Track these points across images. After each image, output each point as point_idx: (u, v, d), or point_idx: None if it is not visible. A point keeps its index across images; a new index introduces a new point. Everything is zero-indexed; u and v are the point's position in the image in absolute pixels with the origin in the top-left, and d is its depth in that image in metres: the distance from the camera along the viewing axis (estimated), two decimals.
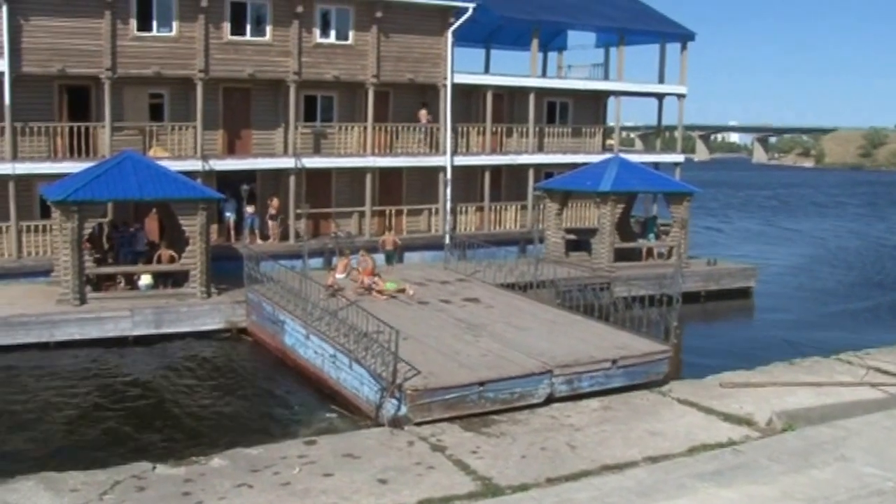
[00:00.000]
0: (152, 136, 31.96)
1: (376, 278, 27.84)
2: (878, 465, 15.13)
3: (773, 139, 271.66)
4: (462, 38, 38.62)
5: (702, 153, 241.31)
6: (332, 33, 34.25)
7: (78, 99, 31.55)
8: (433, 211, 37.30)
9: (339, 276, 28.81)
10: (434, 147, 37.06)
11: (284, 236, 33.96)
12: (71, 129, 30.50)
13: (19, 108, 29.32)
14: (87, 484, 14.38)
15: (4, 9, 28.54)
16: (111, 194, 26.95)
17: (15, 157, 29.25)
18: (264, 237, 33.67)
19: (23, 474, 14.82)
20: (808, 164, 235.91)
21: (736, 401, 19.54)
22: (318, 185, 35.03)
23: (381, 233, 35.28)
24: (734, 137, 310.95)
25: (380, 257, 32.56)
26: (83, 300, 26.23)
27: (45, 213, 29.10)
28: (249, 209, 33.50)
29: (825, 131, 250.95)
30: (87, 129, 30.59)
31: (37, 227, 29.77)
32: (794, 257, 52.18)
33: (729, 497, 13.74)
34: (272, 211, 33.64)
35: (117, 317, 25.91)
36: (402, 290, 27.68)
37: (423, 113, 37.49)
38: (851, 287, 42.12)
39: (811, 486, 14.24)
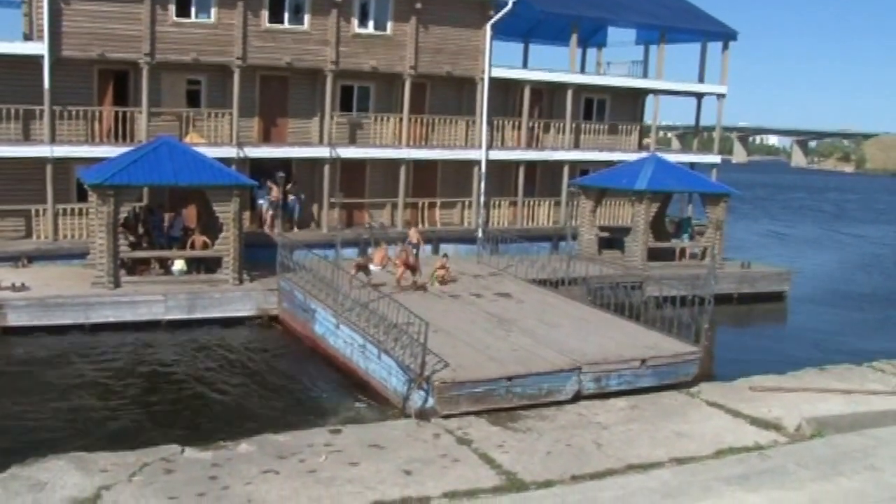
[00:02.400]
0: (189, 123, 32.15)
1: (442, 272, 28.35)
2: None
3: (812, 143, 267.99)
4: (501, 32, 38.62)
5: (739, 155, 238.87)
6: (371, 23, 34.26)
7: (116, 84, 31.80)
8: (466, 204, 37.30)
9: (375, 267, 28.88)
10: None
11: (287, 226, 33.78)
12: (109, 113, 30.77)
13: (58, 91, 29.59)
14: (117, 465, 14.55)
15: None
16: (147, 179, 27.14)
17: (53, 140, 29.55)
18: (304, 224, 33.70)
19: (54, 453, 15.00)
20: (849, 169, 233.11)
21: (765, 405, 19.42)
22: (352, 175, 35.16)
23: (413, 224, 35.36)
24: (773, 140, 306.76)
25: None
26: (117, 283, 26.43)
27: (82, 196, 29.37)
28: (290, 196, 33.58)
29: (866, 136, 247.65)
30: (124, 113, 30.88)
31: (73, 209, 30.11)
32: (831, 263, 51.69)
33: (755, 502, 13.66)
34: (271, 199, 33.29)
35: (151, 301, 26.11)
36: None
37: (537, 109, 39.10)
38: (889, 294, 41.66)
39: (839, 494, 14.12)
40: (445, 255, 30.35)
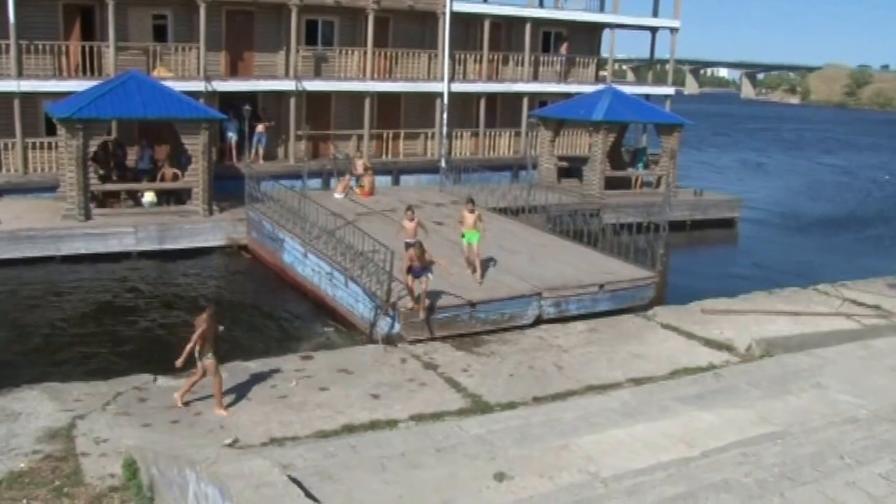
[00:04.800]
0: (156, 57, 32.19)
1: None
2: (852, 393, 15.44)
3: (760, 75, 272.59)
4: None
5: (691, 87, 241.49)
6: None
7: (83, 18, 31.71)
8: (430, 135, 37.78)
9: (338, 196, 29.42)
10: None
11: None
12: (76, 48, 30.75)
13: (24, 26, 29.47)
14: (90, 394, 14.88)
15: None
16: (116, 112, 27.31)
17: (20, 75, 29.53)
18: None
19: (28, 384, 15.24)
20: (794, 100, 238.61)
21: (717, 327, 20.18)
22: (318, 107, 35.44)
23: (379, 155, 35.91)
24: (723, 73, 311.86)
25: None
26: (88, 216, 26.75)
27: (51, 130, 29.54)
28: (259, 128, 33.85)
29: (811, 69, 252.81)
30: (91, 48, 30.84)
31: (42, 143, 30.19)
32: (782, 189, 52.77)
33: (709, 420, 14.02)
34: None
35: (121, 232, 26.47)
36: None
37: (565, 46, 40.86)
38: (833, 220, 42.87)
39: (787, 411, 14.55)
40: (471, 201, 23.33)
